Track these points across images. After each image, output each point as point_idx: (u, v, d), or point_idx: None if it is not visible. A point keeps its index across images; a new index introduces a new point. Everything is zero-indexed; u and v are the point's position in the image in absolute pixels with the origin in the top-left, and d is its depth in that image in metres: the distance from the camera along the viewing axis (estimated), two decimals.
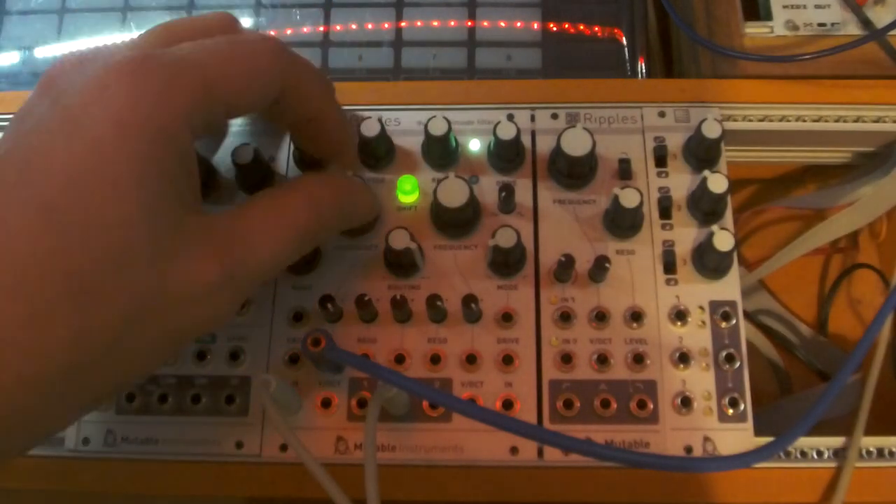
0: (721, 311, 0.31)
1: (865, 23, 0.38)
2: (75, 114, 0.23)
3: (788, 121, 0.35)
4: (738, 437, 0.30)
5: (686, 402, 0.30)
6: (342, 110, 0.31)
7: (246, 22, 0.43)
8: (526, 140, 0.34)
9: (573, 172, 0.33)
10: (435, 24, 0.43)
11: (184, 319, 0.24)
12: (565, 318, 0.31)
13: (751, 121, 0.35)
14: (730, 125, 0.35)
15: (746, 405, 0.30)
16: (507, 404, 0.30)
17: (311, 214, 0.28)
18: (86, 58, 0.25)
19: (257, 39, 0.27)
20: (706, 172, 0.31)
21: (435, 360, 0.31)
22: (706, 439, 0.30)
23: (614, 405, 0.30)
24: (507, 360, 0.31)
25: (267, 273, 0.27)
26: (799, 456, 0.30)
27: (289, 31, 0.43)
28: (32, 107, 0.25)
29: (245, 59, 0.26)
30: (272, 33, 0.43)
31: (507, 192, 0.32)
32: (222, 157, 0.33)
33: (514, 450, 0.30)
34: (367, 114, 0.34)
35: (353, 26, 0.43)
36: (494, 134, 0.32)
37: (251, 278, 0.26)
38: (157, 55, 0.24)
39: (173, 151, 0.24)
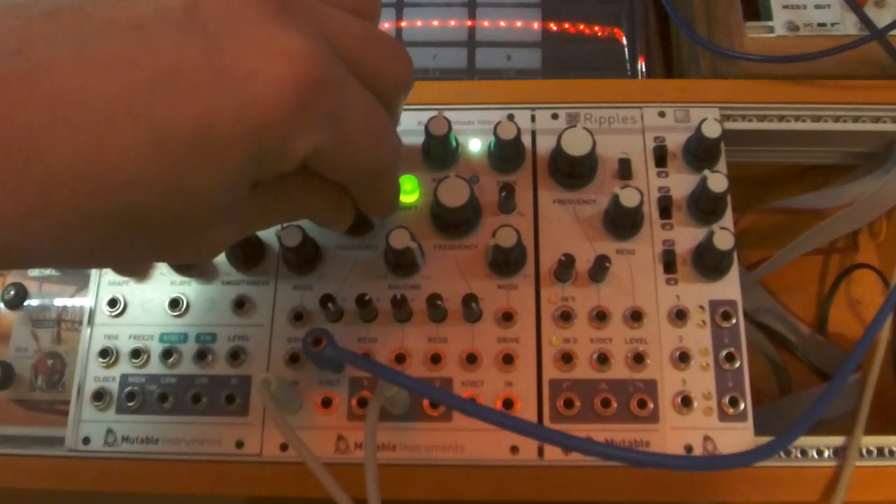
0: (721, 310, 0.31)
1: (865, 23, 0.38)
2: (235, 63, 0.20)
3: (788, 121, 0.35)
4: (738, 437, 0.30)
5: (686, 402, 0.30)
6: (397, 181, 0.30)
7: None
8: (526, 140, 0.34)
9: (573, 172, 0.33)
10: (435, 24, 0.43)
11: (180, 258, 0.28)
12: (565, 317, 0.31)
13: (750, 121, 0.35)
14: (729, 125, 0.35)
15: (746, 404, 0.30)
16: (508, 403, 0.30)
17: (310, 212, 0.28)
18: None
19: (396, 144, 0.26)
20: (706, 172, 0.31)
21: (435, 359, 0.31)
22: (706, 438, 0.30)
23: (614, 404, 0.30)
24: (508, 359, 0.31)
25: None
26: (799, 455, 0.30)
27: None
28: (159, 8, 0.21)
29: (378, 159, 0.25)
30: None
31: (507, 191, 0.32)
32: None
33: (514, 449, 0.30)
34: None
35: None
36: (495, 134, 0.32)
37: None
38: (335, 65, 0.22)
39: (288, 158, 0.22)
